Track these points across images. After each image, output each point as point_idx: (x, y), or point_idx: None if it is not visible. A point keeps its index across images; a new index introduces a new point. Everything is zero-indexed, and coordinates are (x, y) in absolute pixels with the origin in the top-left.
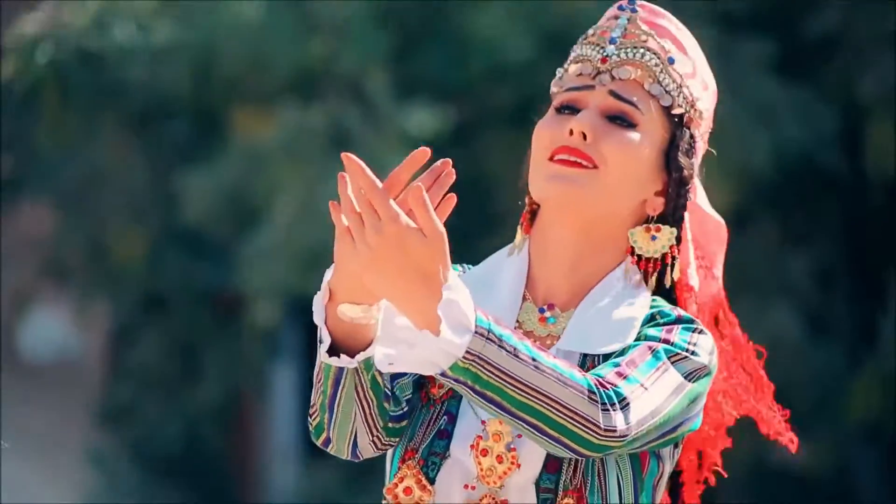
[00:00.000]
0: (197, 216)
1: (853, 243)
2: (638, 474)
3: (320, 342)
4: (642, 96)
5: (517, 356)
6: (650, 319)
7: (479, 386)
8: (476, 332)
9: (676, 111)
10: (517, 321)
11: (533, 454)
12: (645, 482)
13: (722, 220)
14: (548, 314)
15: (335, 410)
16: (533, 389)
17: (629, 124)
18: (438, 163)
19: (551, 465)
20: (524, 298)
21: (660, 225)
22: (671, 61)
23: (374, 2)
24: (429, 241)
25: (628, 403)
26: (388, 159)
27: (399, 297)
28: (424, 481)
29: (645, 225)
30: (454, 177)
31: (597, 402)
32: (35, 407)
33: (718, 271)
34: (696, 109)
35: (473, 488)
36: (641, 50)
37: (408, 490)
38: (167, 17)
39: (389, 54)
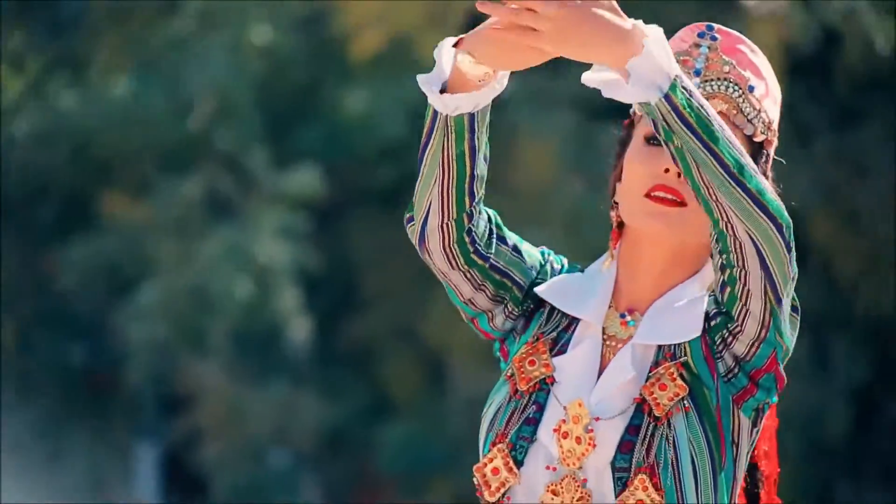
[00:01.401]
0: (71, 290)
1: None
2: (717, 457)
3: (431, 85)
4: (730, 126)
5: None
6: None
7: (687, 119)
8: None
9: (758, 138)
10: (602, 327)
11: (609, 436)
12: (725, 465)
13: None
14: (628, 318)
15: (423, 165)
16: (731, 140)
17: None
18: None
19: (625, 446)
20: (609, 306)
21: None
22: (751, 89)
23: (250, 79)
24: None
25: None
26: (267, 222)
27: (600, 51)
28: (512, 464)
29: None
30: None
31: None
32: None
33: None
34: (771, 130)
35: (555, 469)
36: (725, 82)
37: (495, 470)
38: (37, 102)
39: (266, 129)
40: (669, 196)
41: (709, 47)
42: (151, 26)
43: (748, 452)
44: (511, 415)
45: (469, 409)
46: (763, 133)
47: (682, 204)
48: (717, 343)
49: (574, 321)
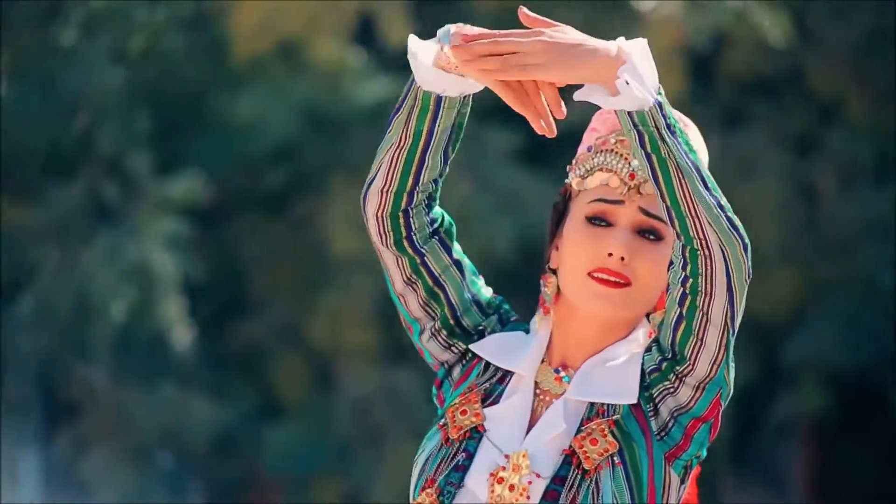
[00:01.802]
0: None
1: None
2: None
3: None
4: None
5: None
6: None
7: (673, 129)
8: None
9: None
10: (535, 381)
11: (537, 487)
12: None
13: None
14: (563, 374)
15: (389, 126)
16: (701, 169)
17: (658, 237)
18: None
19: (550, 495)
20: (542, 360)
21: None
22: None
23: (133, 82)
24: (568, 29)
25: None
26: (151, 227)
27: (591, 70)
28: None
29: (662, 310)
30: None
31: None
32: None
33: None
34: None
35: None
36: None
37: None
38: None
39: (151, 134)
40: (612, 278)
41: None
42: (33, 30)
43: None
44: (440, 462)
45: (356, 409)
46: None
47: (627, 284)
48: (655, 397)
49: (508, 374)
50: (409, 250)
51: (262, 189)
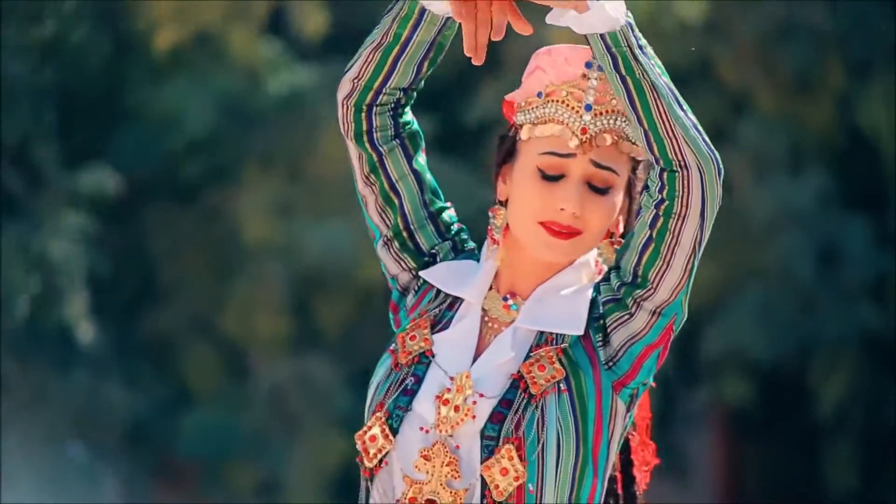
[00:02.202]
0: None
1: None
2: (586, 443)
3: None
4: (618, 158)
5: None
6: (597, 291)
7: (644, 49)
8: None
9: (640, 156)
10: (483, 308)
11: (482, 408)
12: (597, 450)
13: None
14: (510, 301)
15: (379, 24)
16: (670, 88)
17: (608, 188)
18: None
19: (495, 417)
20: (490, 288)
21: (621, 240)
22: None
23: (41, 73)
24: None
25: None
26: (58, 220)
27: None
28: (388, 431)
29: (609, 240)
30: None
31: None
32: None
33: None
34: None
35: (427, 431)
36: (613, 115)
37: (373, 438)
38: None
39: (60, 125)
40: (564, 231)
41: (598, 78)
42: None
43: (621, 436)
44: (390, 387)
45: (269, 396)
46: (637, 148)
47: (577, 234)
48: (608, 326)
49: (458, 301)
50: (368, 146)
51: (174, 180)
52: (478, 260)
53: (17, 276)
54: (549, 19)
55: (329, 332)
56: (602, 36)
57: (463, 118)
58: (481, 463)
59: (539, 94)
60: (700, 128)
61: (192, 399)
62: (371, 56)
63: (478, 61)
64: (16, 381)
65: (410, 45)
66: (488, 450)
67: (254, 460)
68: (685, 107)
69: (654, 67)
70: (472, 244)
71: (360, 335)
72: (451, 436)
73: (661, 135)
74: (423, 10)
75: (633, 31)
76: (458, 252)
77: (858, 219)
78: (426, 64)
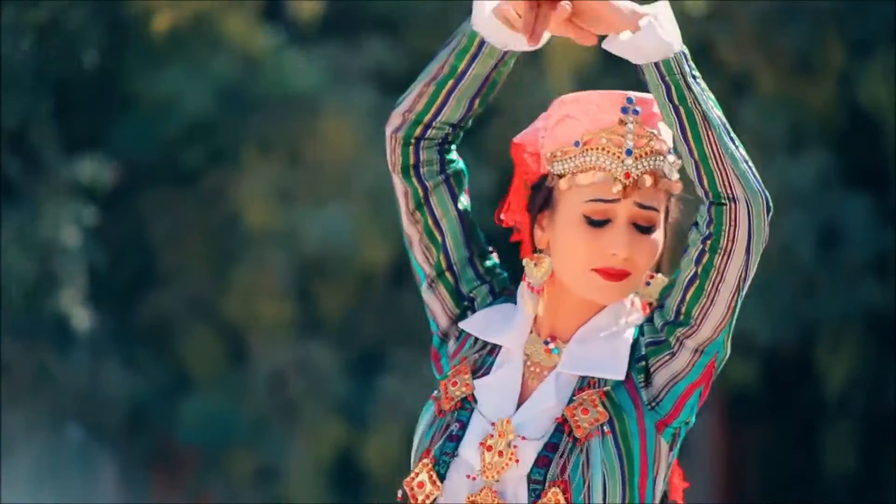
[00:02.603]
0: None
1: None
2: (631, 484)
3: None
4: (658, 196)
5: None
6: (640, 332)
7: (697, 78)
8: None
9: (676, 191)
10: (525, 353)
11: (528, 452)
12: (643, 492)
13: None
14: (552, 345)
15: (435, 57)
16: (724, 121)
17: (652, 227)
18: None
19: (541, 461)
20: (530, 332)
21: (653, 273)
22: (670, 151)
23: (39, 59)
24: None
25: None
26: (55, 209)
27: (618, 17)
28: (435, 477)
29: (653, 276)
30: None
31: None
32: None
33: None
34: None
35: (474, 479)
36: (652, 157)
37: (421, 484)
38: None
39: (57, 110)
40: (618, 274)
41: (634, 122)
42: None
43: (665, 476)
44: (435, 433)
45: (269, 383)
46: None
47: (628, 275)
48: (651, 367)
49: (498, 346)
50: (415, 181)
51: (175, 165)
52: (514, 302)
53: (17, 262)
54: (605, 45)
55: (329, 318)
56: (657, 64)
57: None
58: None
59: (576, 144)
60: (750, 162)
61: (193, 384)
62: (424, 89)
63: (534, 43)
64: (15, 366)
65: (465, 78)
66: (535, 493)
67: (253, 446)
68: (736, 140)
69: (707, 98)
70: (508, 286)
71: (360, 321)
72: (497, 481)
73: (710, 166)
74: (481, 43)
75: (686, 60)
76: (496, 296)
77: (859, 198)
78: (477, 100)
